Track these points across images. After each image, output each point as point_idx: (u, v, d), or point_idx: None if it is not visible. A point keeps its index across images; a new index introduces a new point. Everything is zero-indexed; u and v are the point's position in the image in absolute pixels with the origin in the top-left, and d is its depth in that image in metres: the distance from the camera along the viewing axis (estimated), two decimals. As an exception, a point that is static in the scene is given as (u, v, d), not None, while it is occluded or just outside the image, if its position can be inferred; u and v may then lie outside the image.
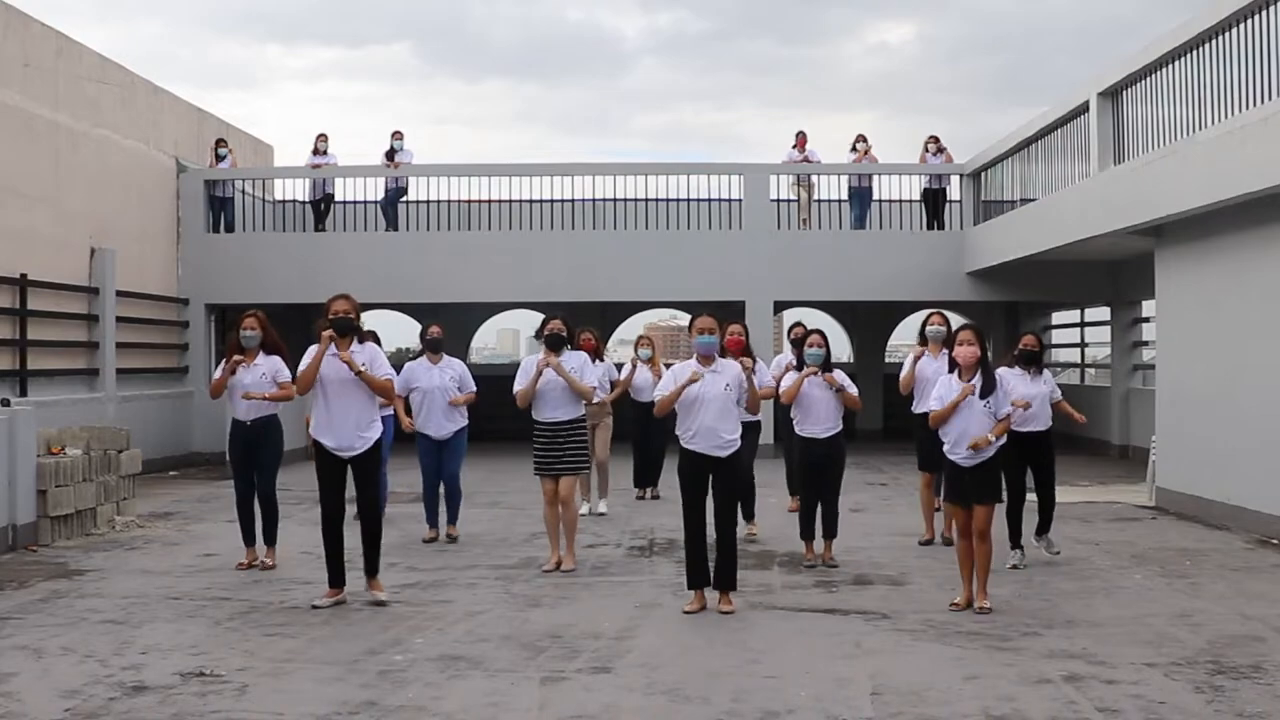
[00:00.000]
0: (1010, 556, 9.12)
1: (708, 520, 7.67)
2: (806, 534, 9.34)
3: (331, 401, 7.75)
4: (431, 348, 10.44)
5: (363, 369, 7.71)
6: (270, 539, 9.30)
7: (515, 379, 9.08)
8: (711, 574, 7.70)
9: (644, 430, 12.99)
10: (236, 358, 9.08)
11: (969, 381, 7.63)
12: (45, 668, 6.31)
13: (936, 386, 7.87)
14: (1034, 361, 9.37)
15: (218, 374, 9.31)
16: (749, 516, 10.70)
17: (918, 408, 10.07)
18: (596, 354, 12.23)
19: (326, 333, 7.73)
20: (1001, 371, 9.17)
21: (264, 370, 9.05)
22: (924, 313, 10.53)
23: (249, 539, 9.27)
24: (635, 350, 13.32)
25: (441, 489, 10.50)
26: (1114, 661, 6.34)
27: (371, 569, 7.94)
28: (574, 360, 9.08)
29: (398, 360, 12.25)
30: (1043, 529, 9.44)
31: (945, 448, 7.72)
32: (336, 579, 7.87)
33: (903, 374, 10.19)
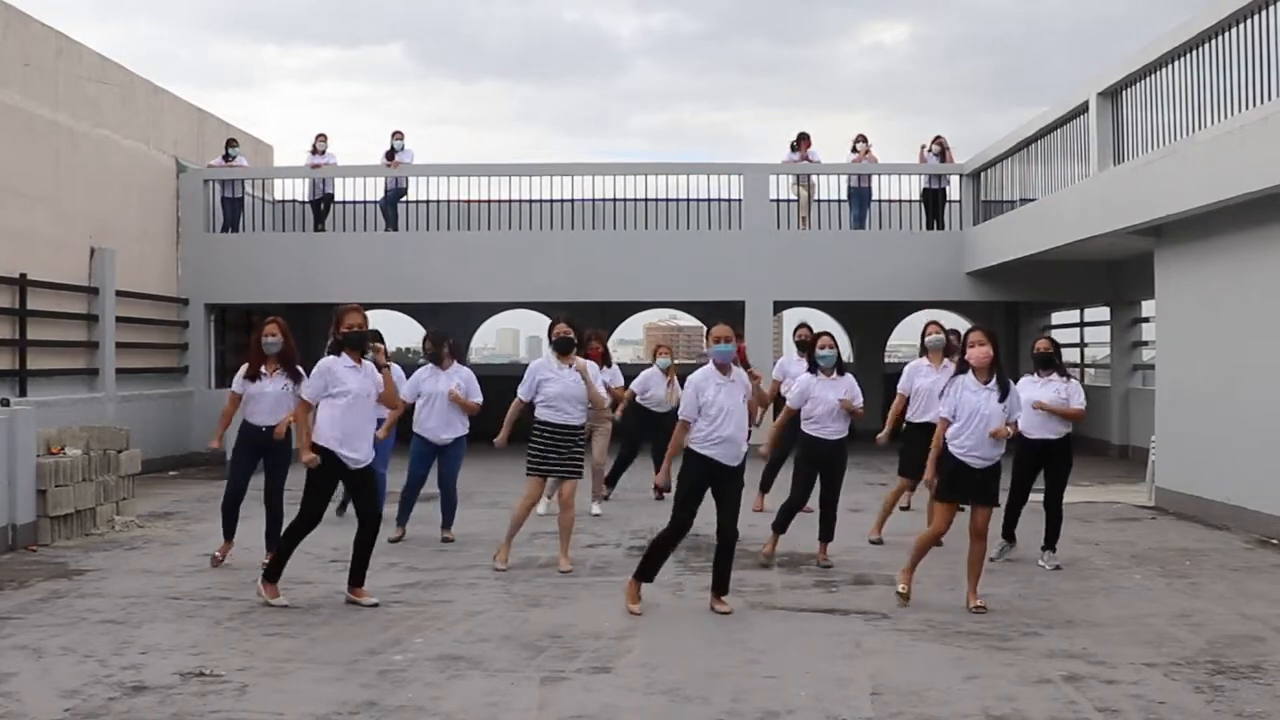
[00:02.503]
0: (997, 543, 9.14)
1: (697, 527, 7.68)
2: (780, 526, 9.30)
3: (347, 414, 7.74)
4: (434, 360, 10.44)
5: (387, 366, 8.04)
6: (273, 544, 9.29)
7: (521, 384, 9.05)
8: (712, 577, 7.73)
9: (641, 437, 12.93)
10: (251, 376, 9.09)
11: (985, 383, 7.58)
12: (45, 668, 6.31)
13: (953, 389, 7.69)
14: (1047, 364, 9.28)
15: (236, 387, 9.17)
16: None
17: (912, 416, 10.07)
18: (605, 360, 12.22)
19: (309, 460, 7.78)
20: (1021, 381, 9.16)
21: (285, 380, 9.05)
22: (920, 315, 10.56)
23: (229, 534, 9.27)
24: (654, 359, 13.26)
25: (438, 493, 10.53)
26: (1114, 661, 6.34)
27: (358, 578, 7.92)
28: (588, 369, 9.06)
29: (398, 361, 12.25)
30: (1049, 542, 9.27)
31: (955, 445, 7.64)
32: (276, 575, 7.91)
33: (899, 390, 10.21)
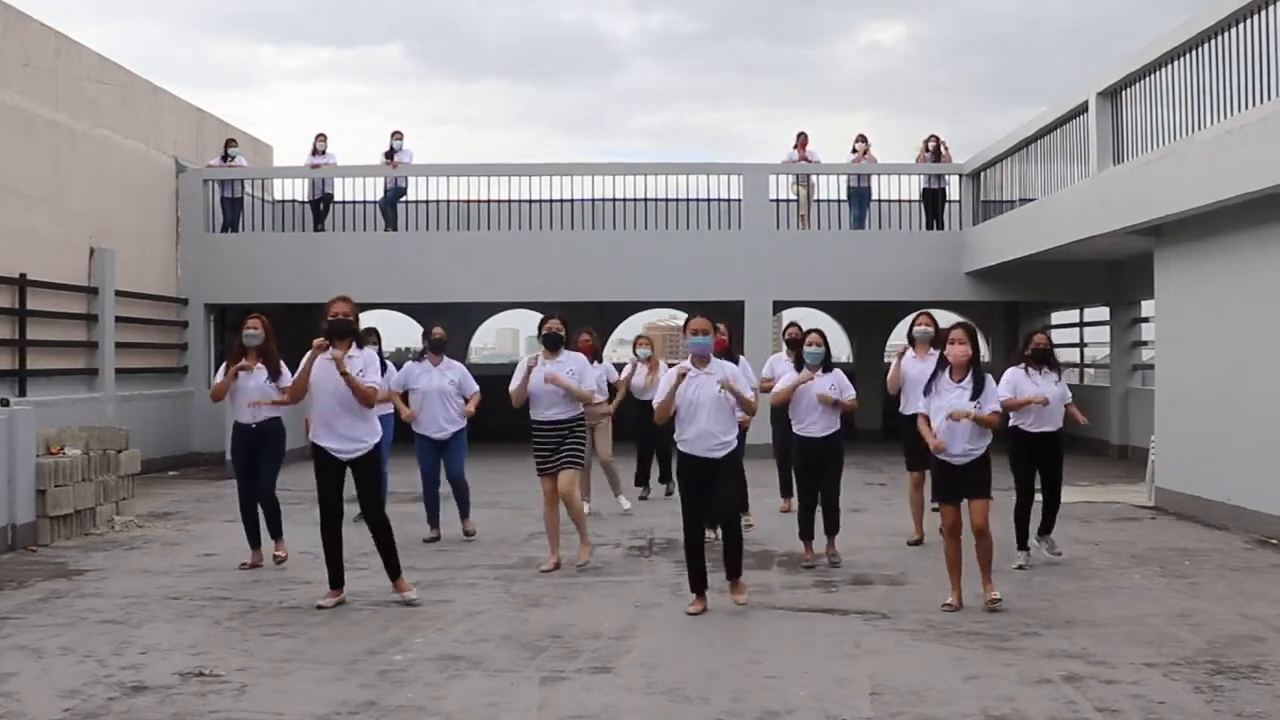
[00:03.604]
0: (1015, 557, 9.13)
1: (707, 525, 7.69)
2: (805, 535, 9.35)
3: (327, 404, 7.74)
4: (434, 348, 10.46)
5: (349, 372, 7.64)
6: (276, 533, 9.31)
7: (512, 378, 9.09)
8: (724, 567, 7.76)
9: (645, 430, 12.98)
10: (242, 364, 9.11)
11: (959, 381, 7.62)
12: (45, 668, 6.31)
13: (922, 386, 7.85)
14: (1046, 360, 9.32)
15: (219, 378, 9.34)
16: (743, 508, 10.61)
17: (904, 409, 10.07)
18: (595, 355, 12.25)
19: (317, 341, 7.73)
20: (1010, 373, 9.17)
21: (266, 374, 9.07)
22: (914, 314, 10.56)
23: (254, 541, 9.29)
24: (634, 350, 13.33)
25: (449, 489, 10.55)
26: (1114, 661, 6.34)
27: (393, 571, 7.91)
28: (572, 362, 9.07)
29: (399, 360, 12.27)
30: (1046, 529, 9.42)
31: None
32: (336, 580, 7.86)
33: (889, 375, 10.23)
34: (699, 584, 7.67)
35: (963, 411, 7.49)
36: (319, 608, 7.70)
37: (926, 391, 7.85)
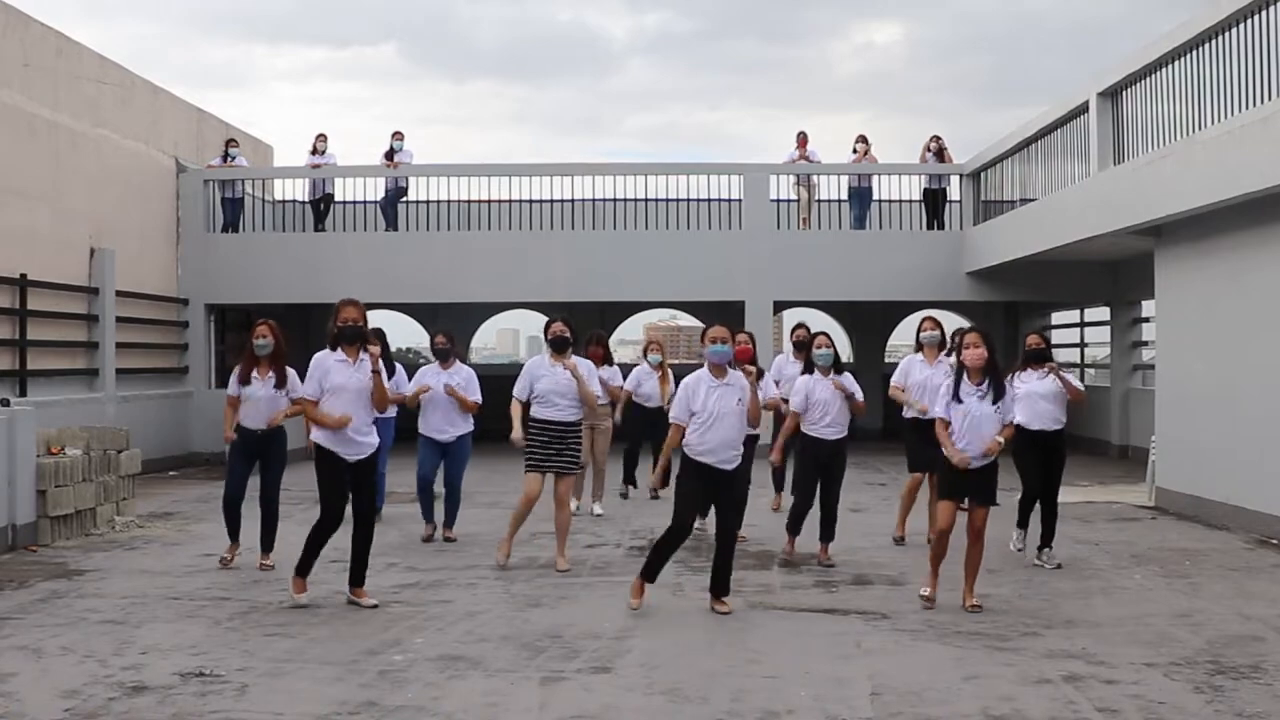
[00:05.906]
0: (1013, 538, 9.20)
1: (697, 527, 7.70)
2: (793, 529, 9.38)
3: (348, 408, 7.70)
4: (439, 356, 10.53)
5: (379, 371, 7.81)
6: (269, 545, 9.28)
7: (517, 382, 9.09)
8: (711, 581, 7.72)
9: (642, 433, 12.95)
10: (244, 379, 9.08)
11: (978, 384, 7.59)
12: (45, 668, 6.31)
13: (941, 391, 7.79)
14: (1042, 360, 9.32)
15: (230, 390, 9.26)
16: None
17: (906, 413, 10.07)
18: (605, 360, 12.23)
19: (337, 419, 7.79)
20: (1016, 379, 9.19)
21: (274, 382, 9.04)
22: (919, 315, 10.57)
23: (234, 535, 9.29)
24: (645, 355, 13.30)
25: (443, 492, 10.56)
26: (1114, 661, 6.34)
27: (359, 575, 7.89)
28: (581, 367, 9.07)
29: (399, 361, 12.28)
30: (1045, 541, 9.30)
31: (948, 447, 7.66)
32: (306, 568, 7.88)
33: (893, 383, 10.19)
34: (652, 574, 7.68)
35: (996, 444, 7.50)
36: (300, 607, 7.68)
37: (957, 398, 7.67)
